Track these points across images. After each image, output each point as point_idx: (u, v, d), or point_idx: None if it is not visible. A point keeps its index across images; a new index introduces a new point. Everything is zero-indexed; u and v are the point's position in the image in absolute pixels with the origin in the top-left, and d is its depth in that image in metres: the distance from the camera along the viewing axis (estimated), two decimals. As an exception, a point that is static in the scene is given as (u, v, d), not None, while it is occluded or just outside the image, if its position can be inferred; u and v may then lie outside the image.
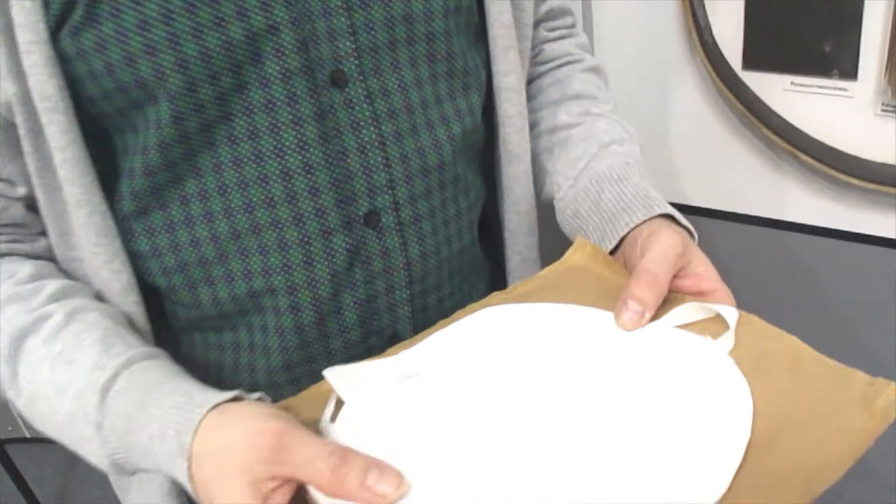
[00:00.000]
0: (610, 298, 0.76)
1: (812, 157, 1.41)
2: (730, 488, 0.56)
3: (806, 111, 1.42)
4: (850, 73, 1.35)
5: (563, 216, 0.98)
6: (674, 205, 1.36)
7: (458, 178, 0.88)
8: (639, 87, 1.55)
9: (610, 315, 0.74)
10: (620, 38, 1.52)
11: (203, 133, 0.76)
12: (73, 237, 0.79)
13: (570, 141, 0.98)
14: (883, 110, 1.35)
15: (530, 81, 1.04)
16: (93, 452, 0.71)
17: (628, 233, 0.87)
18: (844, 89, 1.37)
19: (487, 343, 0.74)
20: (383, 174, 0.81)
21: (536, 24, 1.01)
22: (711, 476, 0.57)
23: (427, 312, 0.87)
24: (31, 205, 0.81)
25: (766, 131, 1.43)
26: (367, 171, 0.80)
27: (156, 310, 0.84)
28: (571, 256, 0.87)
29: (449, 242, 0.89)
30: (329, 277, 0.81)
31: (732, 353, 0.68)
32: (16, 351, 0.74)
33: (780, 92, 1.43)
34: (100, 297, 0.80)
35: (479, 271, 0.98)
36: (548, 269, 0.87)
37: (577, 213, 0.95)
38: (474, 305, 0.82)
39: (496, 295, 0.83)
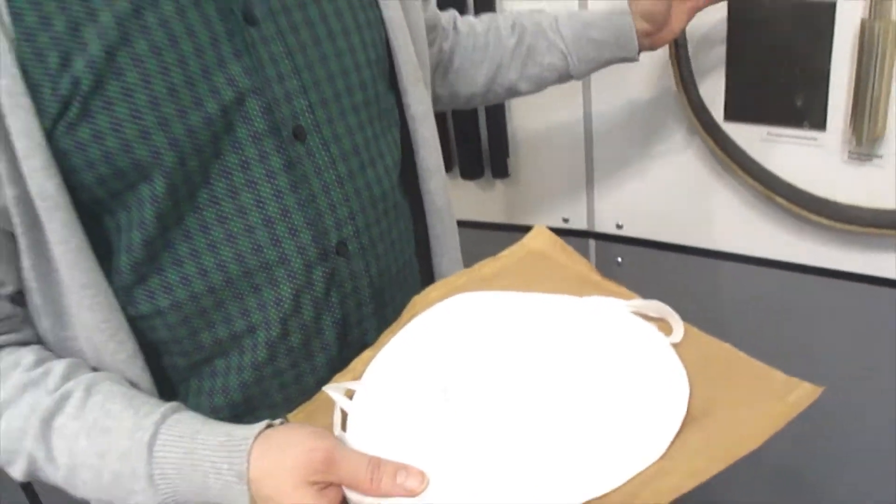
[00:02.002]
0: (570, 284, 0.84)
1: (787, 199, 1.49)
2: (668, 448, 0.65)
3: (781, 158, 1.50)
4: (820, 124, 1.44)
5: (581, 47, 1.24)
6: (662, 243, 1.50)
7: (397, 203, 0.99)
8: (632, 136, 1.63)
9: (574, 301, 0.82)
10: (616, 93, 1.61)
11: (189, 200, 0.83)
12: (68, 318, 0.83)
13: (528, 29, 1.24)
14: (849, 157, 1.43)
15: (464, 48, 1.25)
16: (144, 502, 0.78)
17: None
18: (815, 139, 1.46)
19: (463, 329, 0.82)
20: (345, 208, 0.91)
21: (430, 32, 1.16)
22: (656, 438, 0.66)
23: (388, 322, 0.95)
24: (14, 299, 0.84)
25: (745, 176, 1.51)
26: (332, 208, 0.89)
27: (153, 367, 0.89)
28: (531, 242, 0.96)
29: (396, 259, 0.99)
30: (312, 304, 0.90)
31: (678, 347, 0.76)
32: (46, 431, 0.79)
33: (757, 141, 1.51)
34: (98, 368, 0.85)
35: (417, 278, 1.07)
36: (508, 251, 0.95)
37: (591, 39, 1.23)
38: (442, 286, 0.91)
39: (464, 272, 0.92)
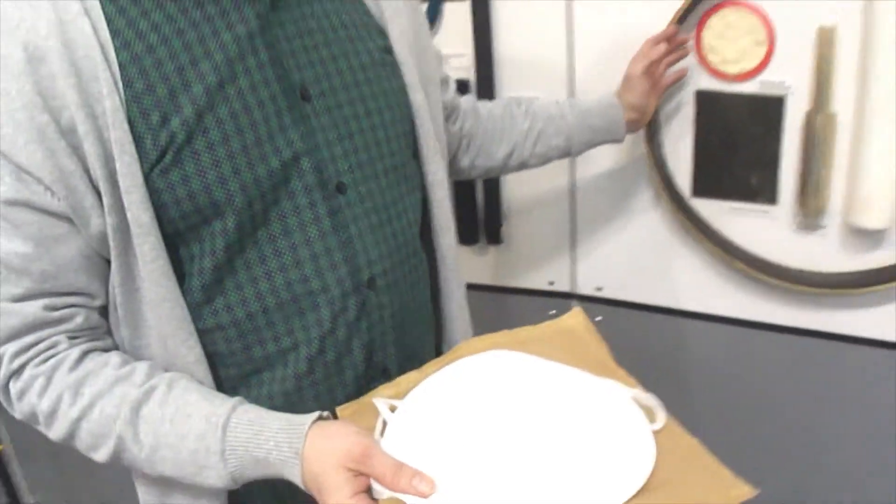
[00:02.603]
0: (589, 363, 0.99)
1: (745, 264, 1.62)
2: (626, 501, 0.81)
3: (740, 229, 1.64)
4: (772, 199, 1.59)
5: (581, 132, 1.45)
6: (636, 304, 1.65)
7: (417, 251, 1.15)
8: (610, 208, 1.76)
9: (587, 377, 0.96)
10: (597, 172, 1.74)
11: (252, 235, 0.99)
12: (146, 329, 0.99)
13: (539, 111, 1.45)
14: (798, 228, 1.58)
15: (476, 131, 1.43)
16: (214, 474, 0.94)
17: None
18: (768, 212, 1.60)
19: (494, 379, 0.97)
20: (375, 251, 1.06)
21: (451, 113, 1.35)
22: (615, 497, 0.81)
23: (405, 350, 1.12)
24: (101, 312, 1.01)
25: (709, 245, 1.64)
26: (365, 250, 1.05)
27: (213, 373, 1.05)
28: (567, 319, 1.11)
29: (415, 298, 1.15)
30: (345, 327, 1.05)
31: (656, 433, 0.90)
32: (135, 417, 0.95)
33: (719, 214, 1.65)
34: (168, 370, 1.00)
35: (431, 317, 1.23)
36: (546, 324, 1.10)
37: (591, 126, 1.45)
38: (485, 340, 1.06)
39: (506, 333, 1.07)
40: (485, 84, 1.73)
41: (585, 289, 1.84)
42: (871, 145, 1.45)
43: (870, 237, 1.54)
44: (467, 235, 1.87)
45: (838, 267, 1.58)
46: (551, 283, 1.87)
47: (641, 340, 1.80)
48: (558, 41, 1.69)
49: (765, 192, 1.60)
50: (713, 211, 1.67)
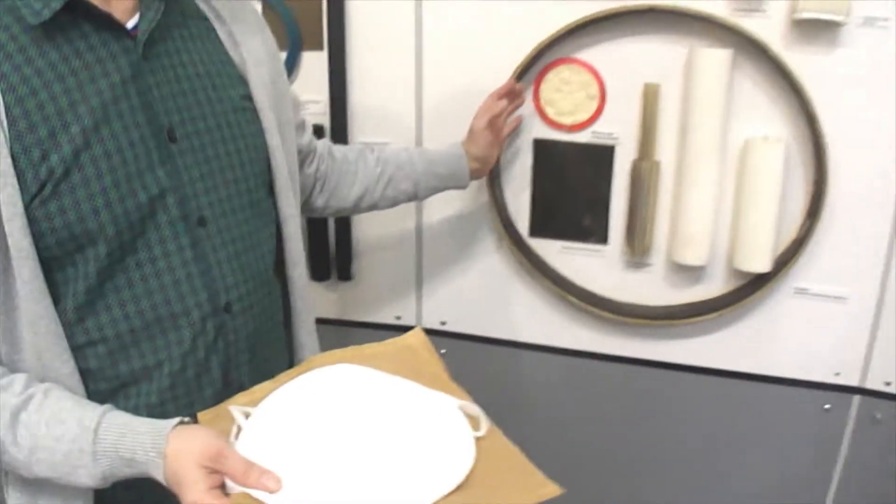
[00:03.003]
0: (424, 377, 1.09)
1: (577, 298, 1.72)
2: (441, 500, 0.91)
3: (574, 266, 1.75)
4: (603, 239, 1.71)
5: (428, 179, 1.55)
6: (478, 336, 1.80)
7: (270, 280, 1.24)
8: (454, 247, 1.84)
9: (422, 389, 1.06)
10: (442, 212, 1.82)
11: (121, 262, 1.07)
12: (22, 344, 1.04)
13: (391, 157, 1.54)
14: (626, 265, 1.71)
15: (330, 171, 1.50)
16: (86, 473, 1.00)
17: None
18: (599, 250, 1.72)
19: (339, 388, 1.06)
20: (232, 278, 1.15)
21: (307, 156, 1.44)
22: (436, 490, 0.91)
23: (259, 370, 1.20)
24: None
25: (545, 280, 1.73)
26: (223, 277, 1.14)
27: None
28: (409, 338, 1.20)
29: (267, 322, 1.24)
30: (204, 347, 1.14)
31: (479, 439, 0.99)
32: (15, 421, 1.01)
33: (555, 253, 1.76)
34: (44, 380, 1.05)
35: (283, 340, 1.32)
36: (391, 341, 1.20)
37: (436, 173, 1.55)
38: (334, 354, 1.15)
39: (351, 349, 1.16)
40: (338, 129, 1.79)
41: (431, 323, 1.89)
42: (691, 190, 1.59)
43: (691, 273, 1.68)
44: (320, 272, 1.90)
45: (664, 300, 1.71)
46: (398, 318, 1.92)
47: (483, 371, 1.87)
48: (407, 92, 1.77)
49: (597, 232, 1.72)
50: (550, 250, 1.77)
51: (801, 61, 1.50)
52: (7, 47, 0.99)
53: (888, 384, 1.63)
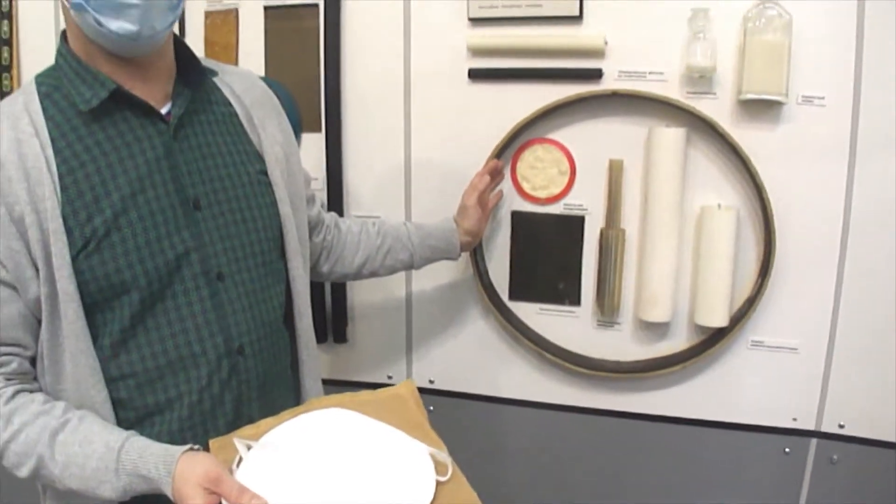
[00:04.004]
0: (407, 424, 1.20)
1: (554, 355, 1.81)
2: None
3: (550, 326, 1.84)
4: (576, 301, 1.80)
5: (423, 250, 1.67)
6: (463, 393, 1.87)
7: (279, 330, 1.38)
8: (441, 311, 1.92)
9: (401, 436, 1.18)
10: (431, 281, 1.91)
11: (151, 308, 1.21)
12: (64, 376, 1.19)
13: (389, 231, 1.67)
14: (598, 325, 1.80)
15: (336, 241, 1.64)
16: (109, 488, 1.13)
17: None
18: (573, 311, 1.81)
19: (326, 431, 1.19)
20: (245, 326, 1.29)
21: (315, 226, 1.57)
22: None
23: (267, 406, 1.32)
24: (31, 361, 1.22)
25: (524, 340, 1.82)
26: (237, 325, 1.28)
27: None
28: (399, 388, 1.31)
29: (276, 366, 1.37)
30: (219, 383, 1.27)
31: (442, 483, 1.10)
32: (53, 441, 1.15)
33: (533, 314, 1.85)
34: (80, 407, 1.19)
35: (290, 385, 1.44)
36: (383, 390, 1.31)
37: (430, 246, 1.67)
38: (331, 399, 1.27)
39: (348, 395, 1.28)
40: (335, 203, 1.91)
41: (420, 381, 1.96)
42: (654, 254, 1.69)
43: (656, 329, 1.78)
44: (317, 334, 1.88)
45: (632, 356, 1.80)
46: (390, 377, 1.99)
47: (467, 425, 1.92)
48: (397, 170, 1.89)
49: (570, 295, 1.82)
50: (528, 312, 1.87)
51: (748, 137, 1.63)
52: (62, 127, 1.16)
53: (842, 427, 1.71)
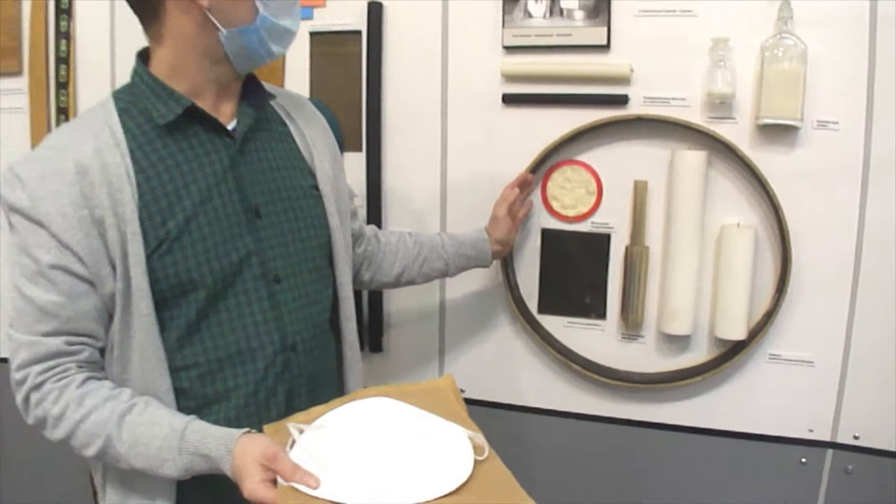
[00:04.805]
0: (447, 412, 1.26)
1: (581, 367, 1.85)
2: (442, 498, 1.09)
3: (577, 339, 1.88)
4: (602, 315, 1.85)
5: (457, 259, 1.74)
6: (492, 403, 1.90)
7: (327, 331, 1.46)
8: (473, 324, 1.97)
9: (442, 421, 1.23)
10: (463, 292, 1.97)
11: (214, 305, 1.30)
12: (131, 366, 1.27)
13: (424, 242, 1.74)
14: (622, 338, 1.84)
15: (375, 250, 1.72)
16: (172, 466, 1.21)
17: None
18: (599, 325, 1.86)
19: (374, 416, 1.24)
20: (298, 325, 1.38)
21: (357, 237, 1.65)
22: (442, 488, 1.10)
23: (315, 401, 1.36)
24: (101, 352, 1.29)
25: (552, 352, 1.87)
26: (292, 323, 1.37)
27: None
28: (440, 381, 1.38)
29: (324, 365, 1.46)
30: (273, 376, 1.35)
31: (479, 462, 1.16)
32: (121, 422, 1.23)
33: (561, 327, 1.89)
34: (145, 393, 1.27)
35: (336, 383, 1.52)
36: (426, 381, 1.38)
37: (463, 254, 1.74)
38: (377, 389, 1.33)
39: (394, 386, 1.35)
40: (374, 218, 1.98)
41: None
42: (676, 270, 1.75)
43: (677, 342, 1.82)
44: None
45: (655, 367, 1.84)
46: None
47: (495, 433, 1.80)
48: (434, 188, 1.97)
49: (596, 309, 1.87)
50: (555, 325, 1.91)
51: (766, 159, 1.69)
52: (140, 140, 1.26)
53: (857, 437, 1.74)
